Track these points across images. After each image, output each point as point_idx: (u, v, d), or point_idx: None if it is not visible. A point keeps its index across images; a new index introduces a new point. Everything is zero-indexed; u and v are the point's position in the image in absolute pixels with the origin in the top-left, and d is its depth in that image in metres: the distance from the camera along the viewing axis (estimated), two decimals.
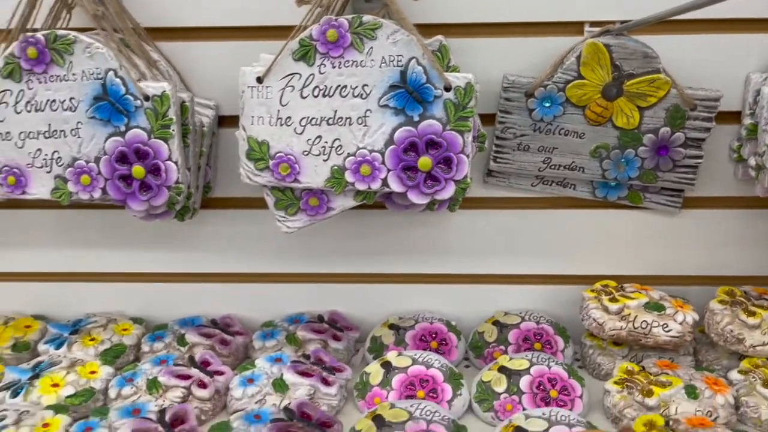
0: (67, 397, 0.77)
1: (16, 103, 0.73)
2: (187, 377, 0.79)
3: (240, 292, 0.95)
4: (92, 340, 0.89)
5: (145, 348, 0.89)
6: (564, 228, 0.90)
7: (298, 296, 0.95)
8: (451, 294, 0.94)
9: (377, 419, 0.70)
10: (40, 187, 0.76)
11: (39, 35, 0.71)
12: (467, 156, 0.72)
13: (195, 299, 0.96)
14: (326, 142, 0.73)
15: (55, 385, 0.78)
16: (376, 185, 0.73)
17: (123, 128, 0.73)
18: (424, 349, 0.85)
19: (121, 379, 0.79)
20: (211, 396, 0.78)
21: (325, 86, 0.72)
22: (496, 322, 0.89)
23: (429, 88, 0.71)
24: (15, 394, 0.76)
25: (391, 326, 0.90)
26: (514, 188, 0.87)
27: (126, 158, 0.73)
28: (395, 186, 0.73)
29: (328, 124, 0.73)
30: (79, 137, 0.74)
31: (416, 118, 0.72)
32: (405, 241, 0.92)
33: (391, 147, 0.72)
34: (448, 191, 0.73)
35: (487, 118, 0.83)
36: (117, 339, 0.89)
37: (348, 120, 0.72)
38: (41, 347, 0.88)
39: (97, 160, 0.74)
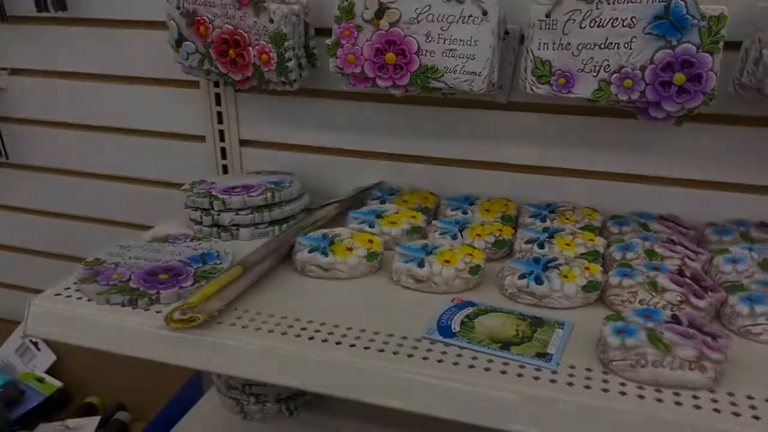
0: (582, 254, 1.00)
1: (583, 19, 0.94)
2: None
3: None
4: (567, 219, 1.11)
5: (613, 230, 1.09)
6: None
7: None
8: None
9: None
10: (584, 89, 0.97)
11: None
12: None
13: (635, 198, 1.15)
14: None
15: (568, 245, 1.01)
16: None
17: (675, 42, 0.90)
18: None
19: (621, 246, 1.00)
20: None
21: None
22: None
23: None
24: (540, 246, 1.00)
25: None
26: None
27: (671, 67, 0.91)
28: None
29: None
30: (630, 49, 0.93)
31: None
32: None
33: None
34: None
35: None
36: (587, 221, 1.11)
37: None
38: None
39: (642, 68, 0.93)
